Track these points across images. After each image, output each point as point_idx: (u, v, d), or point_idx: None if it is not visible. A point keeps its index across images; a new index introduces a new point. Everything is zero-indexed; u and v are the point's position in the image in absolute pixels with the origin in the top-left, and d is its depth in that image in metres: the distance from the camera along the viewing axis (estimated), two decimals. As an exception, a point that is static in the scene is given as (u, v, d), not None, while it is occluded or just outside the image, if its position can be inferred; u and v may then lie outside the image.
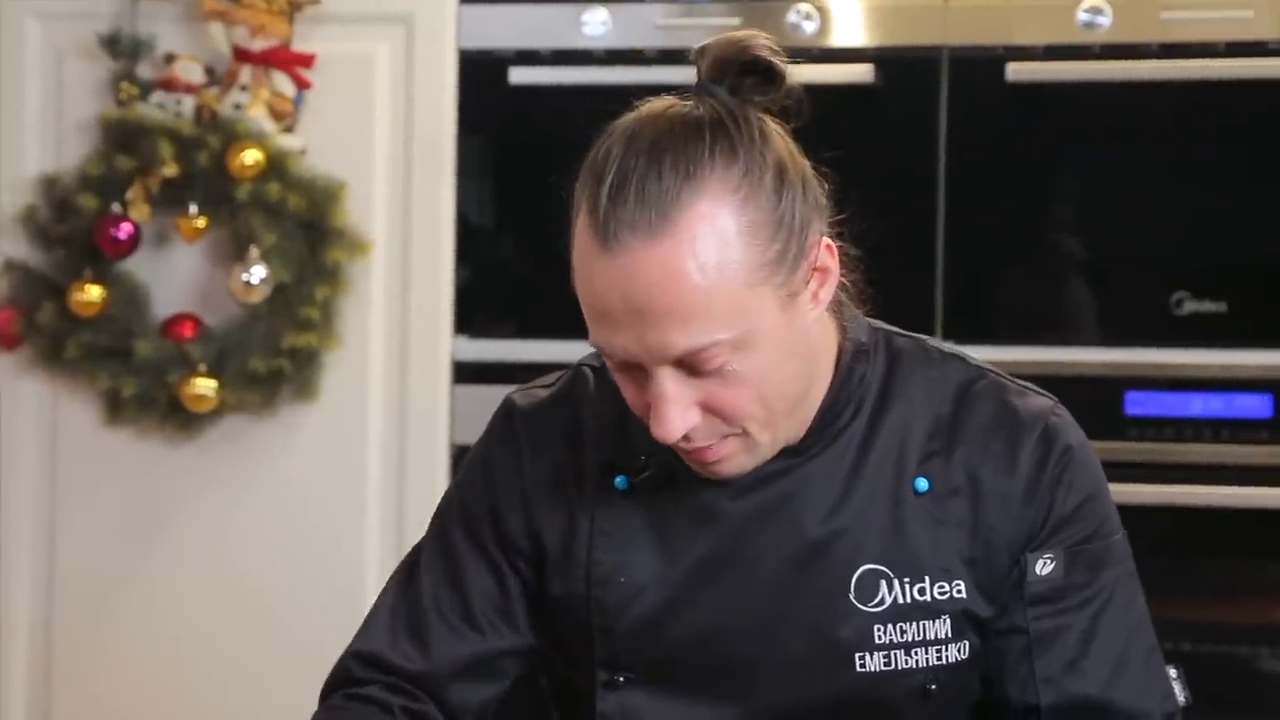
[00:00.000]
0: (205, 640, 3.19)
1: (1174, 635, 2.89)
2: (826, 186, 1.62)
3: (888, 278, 1.72)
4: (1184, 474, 2.91)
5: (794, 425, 1.64)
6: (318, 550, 3.16)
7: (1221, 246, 2.96)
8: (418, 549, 1.80)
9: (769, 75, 1.59)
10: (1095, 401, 2.89)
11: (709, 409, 1.58)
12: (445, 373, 3.14)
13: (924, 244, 2.97)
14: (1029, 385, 1.73)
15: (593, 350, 1.71)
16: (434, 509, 3.03)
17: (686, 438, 1.58)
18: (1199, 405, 2.92)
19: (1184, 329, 2.93)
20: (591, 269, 1.55)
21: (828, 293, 1.60)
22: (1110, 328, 2.98)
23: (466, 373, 3.13)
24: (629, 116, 1.60)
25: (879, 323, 1.74)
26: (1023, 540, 1.67)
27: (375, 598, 1.81)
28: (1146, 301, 2.97)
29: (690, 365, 1.55)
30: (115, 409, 3.19)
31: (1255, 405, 2.90)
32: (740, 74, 1.59)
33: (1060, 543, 1.68)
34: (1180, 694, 1.74)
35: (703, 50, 1.61)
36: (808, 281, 1.58)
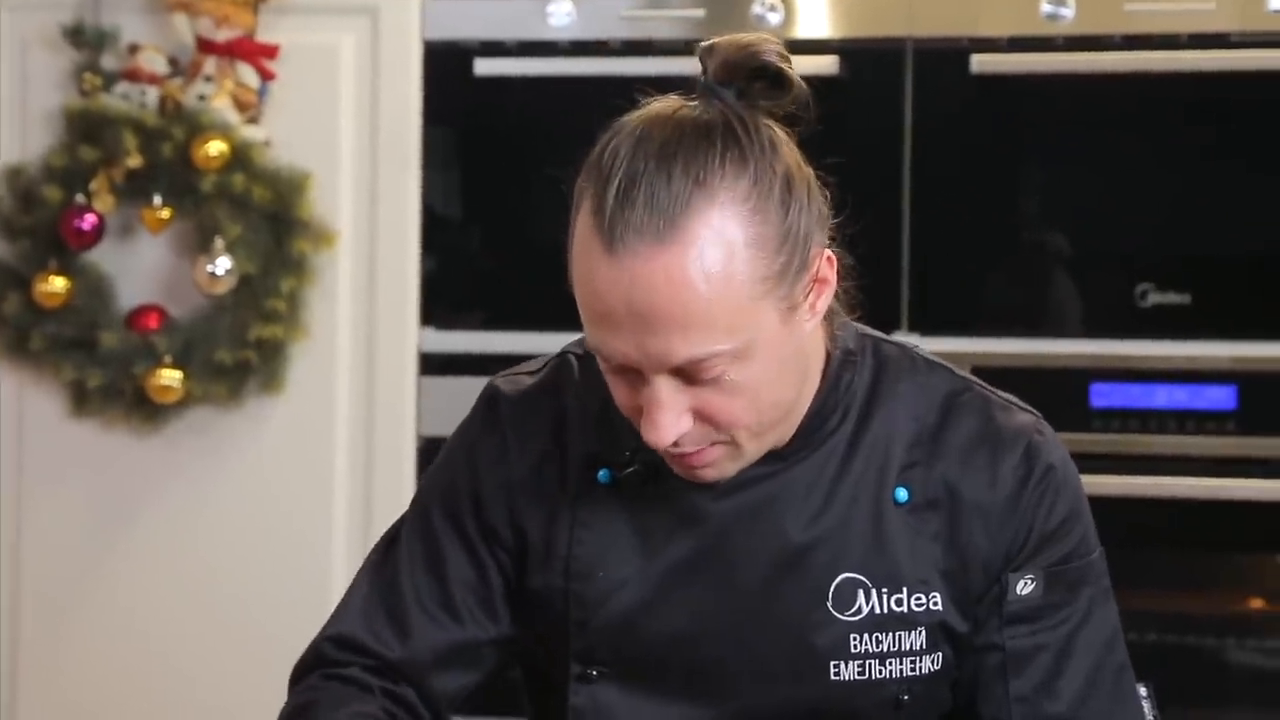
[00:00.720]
0: (171, 631, 3.19)
1: (1140, 627, 2.91)
2: (827, 195, 1.60)
3: (852, 270, 1.72)
4: (1149, 465, 2.92)
5: (781, 431, 1.64)
6: (285, 542, 3.16)
7: (1186, 238, 2.97)
8: (395, 531, 1.78)
9: (778, 81, 1.57)
10: (1061, 393, 2.90)
11: (701, 416, 1.57)
12: (412, 364, 3.13)
13: (889, 236, 2.98)
14: (1014, 400, 1.73)
15: (577, 339, 1.71)
16: (401, 500, 3.01)
17: (675, 443, 1.57)
18: (1164, 397, 2.93)
19: (1149, 320, 2.94)
20: (594, 270, 1.52)
21: (824, 303, 1.60)
22: (1075, 319, 2.99)
23: (433, 364, 3.13)
24: (635, 115, 1.57)
25: (866, 329, 1.73)
26: (1000, 558, 1.67)
27: (344, 586, 1.79)
28: (1111, 293, 2.98)
29: (688, 373, 1.54)
30: (81, 400, 3.18)
31: (1220, 397, 2.91)
32: (749, 78, 1.57)
33: (1040, 563, 1.67)
34: (1150, 713, 1.74)
35: (710, 50, 1.59)
36: (807, 293, 1.57)
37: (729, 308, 1.51)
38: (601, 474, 1.69)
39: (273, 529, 3.17)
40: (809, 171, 1.59)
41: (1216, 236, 2.95)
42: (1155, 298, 2.95)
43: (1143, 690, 1.74)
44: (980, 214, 3.01)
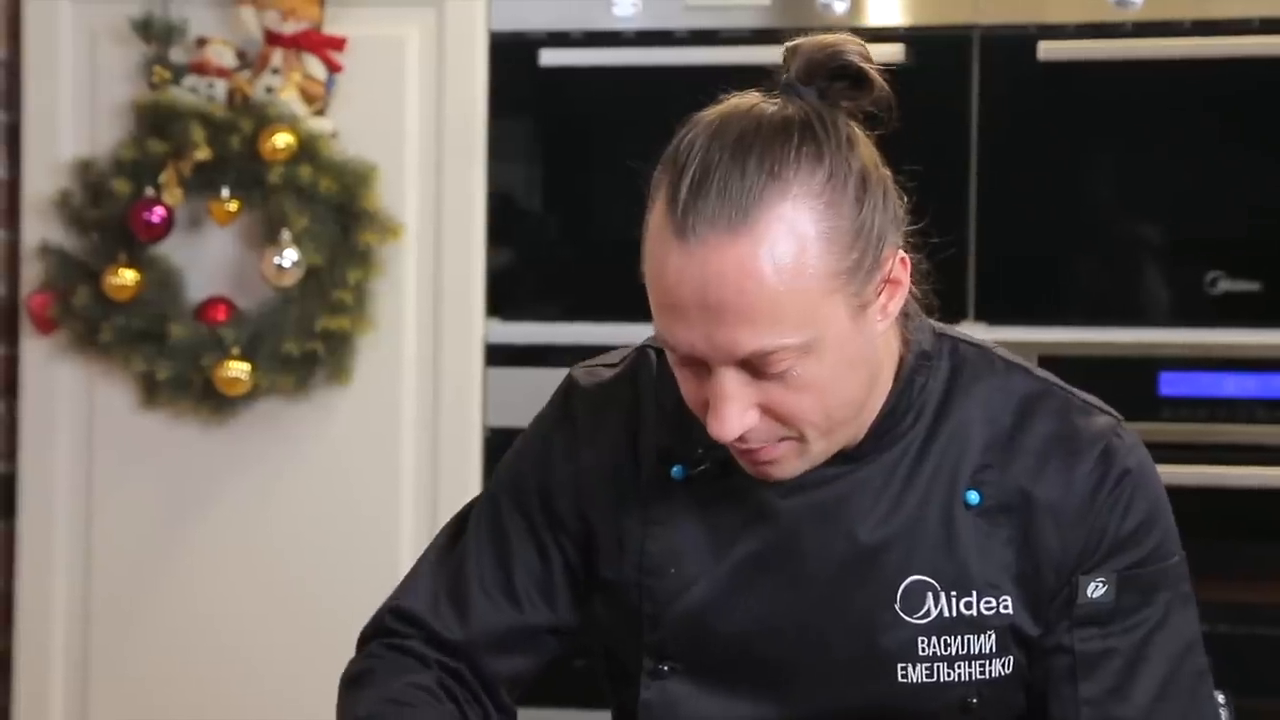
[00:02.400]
0: (239, 622, 3.20)
1: (1209, 617, 2.85)
2: (905, 198, 1.61)
3: (928, 275, 1.71)
4: (1218, 454, 2.90)
5: (850, 432, 1.64)
6: (352, 533, 3.17)
7: (1256, 225, 2.95)
8: (465, 513, 1.80)
9: (859, 81, 1.58)
10: (1129, 382, 2.88)
11: (768, 411, 1.57)
12: (478, 356, 3.14)
13: (956, 225, 2.96)
14: (1094, 402, 1.71)
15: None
16: (467, 491, 3.02)
17: (742, 438, 1.58)
18: (1233, 385, 2.91)
19: (1218, 308, 2.92)
20: (665, 260, 1.53)
21: (896, 305, 1.60)
22: (1143, 307, 2.97)
23: (499, 356, 3.13)
24: (713, 109, 1.58)
25: (945, 328, 1.72)
26: (1073, 561, 1.66)
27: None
28: (1181, 281, 2.96)
29: (754, 367, 1.54)
30: (150, 392, 3.21)
31: (1291, 386, 2.89)
32: (830, 78, 1.57)
33: (1114, 566, 1.66)
34: None
35: (794, 50, 1.60)
36: (879, 293, 1.57)
37: (798, 301, 1.52)
38: (675, 470, 1.70)
39: (340, 519, 3.18)
40: (886, 173, 1.59)
41: (1287, 223, 2.93)
42: (1225, 285, 2.92)
43: (1220, 698, 1.73)
44: (1047, 202, 2.99)
